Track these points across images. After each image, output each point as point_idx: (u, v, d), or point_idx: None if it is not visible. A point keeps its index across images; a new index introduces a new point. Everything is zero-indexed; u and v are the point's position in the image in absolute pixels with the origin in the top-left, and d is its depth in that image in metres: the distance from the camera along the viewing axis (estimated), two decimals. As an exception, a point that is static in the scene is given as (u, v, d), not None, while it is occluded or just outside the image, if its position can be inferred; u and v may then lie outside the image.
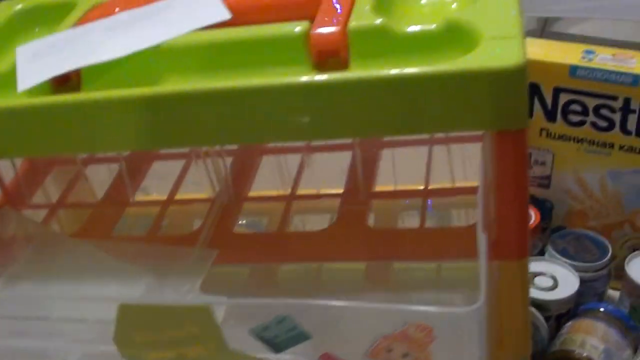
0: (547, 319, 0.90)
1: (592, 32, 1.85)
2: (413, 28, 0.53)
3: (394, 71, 0.47)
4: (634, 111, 0.94)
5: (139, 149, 0.57)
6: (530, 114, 0.99)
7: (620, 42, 1.78)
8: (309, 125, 0.52)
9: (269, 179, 0.74)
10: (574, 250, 0.98)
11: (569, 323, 0.90)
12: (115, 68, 0.58)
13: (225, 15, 0.58)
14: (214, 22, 0.57)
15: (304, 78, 0.49)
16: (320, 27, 0.54)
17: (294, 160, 0.74)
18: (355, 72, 0.50)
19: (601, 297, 1.00)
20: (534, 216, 1.00)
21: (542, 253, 1.00)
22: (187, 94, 0.52)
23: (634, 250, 1.00)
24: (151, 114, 0.53)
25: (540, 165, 1.03)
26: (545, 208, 1.04)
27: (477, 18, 0.51)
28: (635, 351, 0.89)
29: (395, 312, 0.45)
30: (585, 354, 0.84)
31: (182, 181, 0.70)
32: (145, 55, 0.56)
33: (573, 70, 0.96)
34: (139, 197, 0.74)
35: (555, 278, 0.93)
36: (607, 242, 0.99)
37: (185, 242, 0.60)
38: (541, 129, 1.01)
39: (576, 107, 0.97)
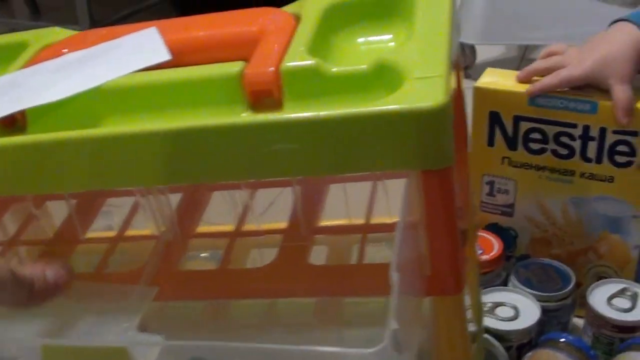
0: (507, 349, 0.91)
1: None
2: (344, 69, 0.54)
3: (310, 114, 0.48)
4: (593, 138, 0.96)
5: (82, 189, 0.58)
6: (492, 143, 1.00)
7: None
8: (242, 164, 0.52)
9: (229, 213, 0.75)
10: (537, 280, 0.99)
11: (530, 353, 0.90)
12: (60, 109, 0.59)
13: (165, 56, 0.59)
14: (155, 63, 0.59)
15: (224, 120, 0.50)
16: (254, 67, 0.55)
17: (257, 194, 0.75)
18: (275, 115, 0.51)
19: (565, 326, 1.00)
20: (496, 246, 1.01)
21: (506, 282, 1.01)
22: (122, 135, 0.53)
23: (599, 278, 1.00)
24: (91, 155, 0.54)
25: (503, 193, 1.04)
26: (509, 236, 1.05)
27: (406, 58, 0.52)
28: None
29: (296, 353, 0.45)
30: (544, 385, 0.84)
31: (133, 217, 0.71)
32: (88, 96, 0.57)
33: (532, 98, 0.96)
34: (104, 233, 0.75)
35: (517, 308, 0.94)
36: (570, 272, 1.00)
37: (130, 279, 0.60)
38: (503, 157, 1.02)
39: (536, 135, 0.99)
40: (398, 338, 0.44)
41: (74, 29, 0.69)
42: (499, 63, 1.88)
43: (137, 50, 0.61)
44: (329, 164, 0.50)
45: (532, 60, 1.87)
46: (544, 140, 0.98)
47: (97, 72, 0.60)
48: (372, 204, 0.69)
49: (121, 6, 2.00)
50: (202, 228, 0.71)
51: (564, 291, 0.97)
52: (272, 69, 0.54)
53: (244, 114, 0.55)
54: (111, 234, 0.72)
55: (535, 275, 0.99)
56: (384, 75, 0.52)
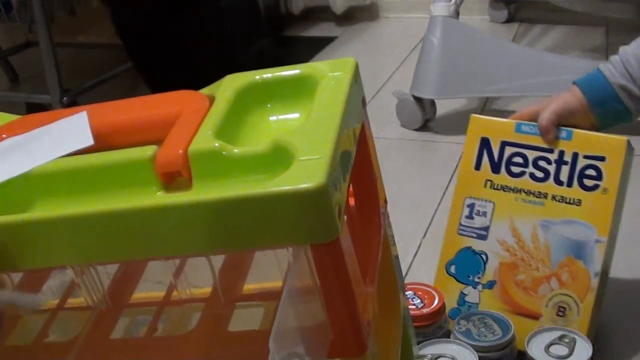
0: (448, 400, 0.95)
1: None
2: (245, 150, 0.58)
3: (197, 197, 0.53)
4: (566, 162, 1.05)
5: (15, 270, 0.63)
6: (479, 167, 1.11)
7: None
8: (155, 242, 0.57)
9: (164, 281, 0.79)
10: (477, 331, 1.03)
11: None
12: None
13: (89, 141, 0.64)
14: (79, 148, 0.64)
15: (132, 202, 0.55)
16: (165, 150, 0.60)
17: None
18: (176, 196, 0.56)
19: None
20: (437, 298, 1.05)
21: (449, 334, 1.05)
22: (43, 219, 0.57)
23: (558, 310, 1.04)
24: (15, 237, 0.59)
25: (481, 216, 1.10)
26: (479, 261, 1.09)
27: (298, 140, 0.57)
28: None
29: None
30: None
31: (72, 289, 0.75)
32: (18, 181, 0.62)
33: (518, 126, 1.09)
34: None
35: None
36: (509, 322, 1.03)
37: (63, 351, 0.65)
38: (486, 180, 1.11)
39: (518, 159, 1.09)
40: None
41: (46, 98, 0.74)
42: (460, 115, 1.94)
43: (65, 135, 0.66)
44: (226, 242, 0.55)
45: (493, 111, 1.94)
46: (524, 164, 1.08)
47: (29, 157, 0.64)
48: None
49: (90, 75, 2.06)
50: (137, 295, 0.75)
51: (502, 341, 1.00)
52: (180, 151, 0.59)
53: (158, 194, 0.59)
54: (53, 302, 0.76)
55: (475, 327, 1.03)
56: (278, 156, 0.57)
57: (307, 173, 0.53)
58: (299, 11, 2.79)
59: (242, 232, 0.54)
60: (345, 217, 0.70)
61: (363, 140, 0.70)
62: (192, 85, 0.71)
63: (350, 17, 2.87)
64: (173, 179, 0.60)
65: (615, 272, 1.22)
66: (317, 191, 0.52)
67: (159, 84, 1.90)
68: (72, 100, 1.92)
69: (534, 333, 1.02)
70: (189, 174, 0.59)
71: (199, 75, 0.76)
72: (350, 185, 0.73)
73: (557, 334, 1.01)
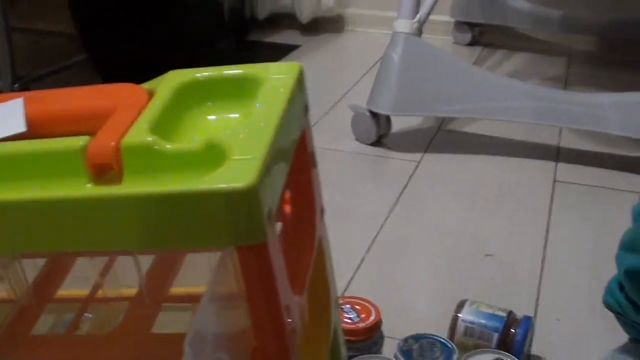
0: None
1: (485, 130, 1.93)
2: (178, 147, 0.57)
3: (122, 191, 0.51)
4: None
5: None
6: None
7: (508, 141, 1.87)
8: (82, 235, 0.55)
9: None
10: (419, 352, 1.02)
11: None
12: None
13: (22, 128, 0.62)
14: (11, 134, 0.62)
15: (56, 192, 0.53)
16: (97, 142, 0.58)
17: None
18: (105, 188, 0.54)
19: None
20: (374, 314, 1.04)
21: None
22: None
23: None
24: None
25: None
26: None
27: (233, 139, 0.56)
28: None
29: None
30: None
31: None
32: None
33: None
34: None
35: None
36: (454, 348, 1.03)
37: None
38: None
39: None
40: None
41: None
42: (415, 133, 1.94)
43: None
44: (152, 240, 0.53)
45: (448, 131, 1.95)
46: None
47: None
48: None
49: (47, 63, 2.03)
50: (64, 292, 0.73)
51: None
52: (112, 144, 0.57)
53: (87, 185, 0.57)
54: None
55: (421, 348, 1.02)
56: (211, 154, 0.56)
57: (238, 172, 0.52)
58: (264, 17, 2.78)
59: (168, 231, 0.53)
60: (280, 223, 0.69)
61: (303, 148, 0.69)
62: (145, 82, 0.70)
63: (315, 27, 2.87)
64: (104, 172, 0.58)
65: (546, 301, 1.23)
66: (246, 191, 0.51)
67: (112, 78, 1.87)
68: (24, 87, 1.88)
69: (469, 354, 1.01)
70: (120, 167, 0.57)
71: (153, 73, 0.75)
72: (288, 192, 0.72)
73: (493, 356, 1.01)
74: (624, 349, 1.10)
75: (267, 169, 0.53)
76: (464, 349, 1.07)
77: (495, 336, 1.07)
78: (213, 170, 0.54)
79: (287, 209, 0.73)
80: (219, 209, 0.51)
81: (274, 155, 0.56)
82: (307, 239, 0.71)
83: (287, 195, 0.72)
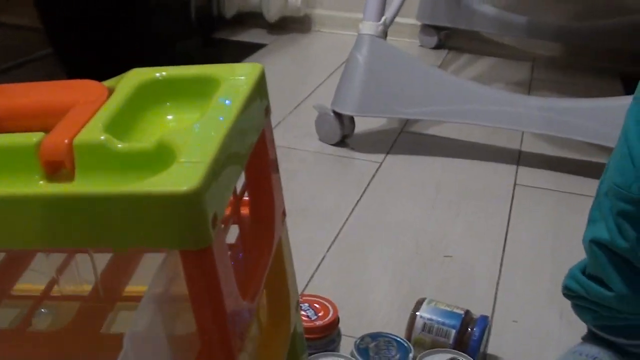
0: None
1: (448, 133, 1.95)
2: (130, 146, 0.57)
3: (75, 189, 0.51)
4: None
5: None
6: None
7: (470, 144, 1.89)
8: (34, 232, 0.55)
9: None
10: (375, 351, 1.02)
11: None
12: None
13: None
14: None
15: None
16: (51, 139, 0.58)
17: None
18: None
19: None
20: (331, 311, 1.05)
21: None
22: None
23: None
24: None
25: None
26: None
27: (185, 140, 0.56)
28: None
29: None
30: None
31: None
32: None
33: None
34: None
35: (345, 375, 0.98)
36: (410, 347, 1.04)
37: None
38: None
39: None
40: None
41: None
42: (378, 134, 1.96)
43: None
44: (98, 238, 0.53)
45: (411, 133, 1.97)
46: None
47: None
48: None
49: (9, 57, 2.01)
50: (21, 286, 0.73)
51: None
52: (66, 141, 0.57)
53: (40, 182, 0.57)
54: None
55: (377, 347, 1.03)
56: (162, 156, 0.56)
57: (183, 176, 0.52)
58: (231, 15, 2.78)
59: (116, 230, 0.53)
60: (236, 226, 0.70)
61: (262, 149, 0.69)
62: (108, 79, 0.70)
63: (282, 26, 2.87)
64: (57, 169, 0.58)
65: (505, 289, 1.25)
66: (189, 196, 0.51)
67: (77, 73, 1.86)
68: (-14, 81, 1.86)
69: (425, 353, 1.02)
70: (72, 165, 0.57)
71: (118, 70, 0.75)
72: (246, 194, 0.72)
73: (448, 356, 1.02)
74: (579, 348, 1.12)
75: (213, 173, 0.53)
76: (421, 345, 1.09)
77: (453, 333, 1.08)
78: (161, 172, 0.54)
79: (245, 211, 0.73)
80: (163, 212, 0.51)
81: (224, 159, 0.56)
82: (265, 243, 0.72)
83: (246, 198, 0.73)
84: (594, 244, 0.99)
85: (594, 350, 1.09)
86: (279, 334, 0.77)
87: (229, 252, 0.59)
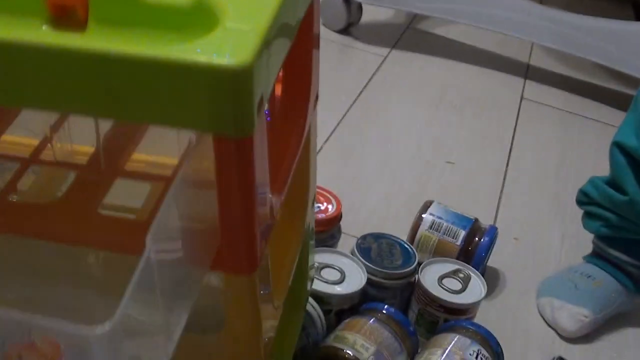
0: (326, 312, 0.88)
1: (457, 36, 1.86)
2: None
3: (87, 43, 0.42)
4: None
5: None
6: None
7: (479, 50, 1.80)
8: (30, 86, 0.46)
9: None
10: (378, 252, 0.96)
11: (347, 320, 0.88)
12: None
13: None
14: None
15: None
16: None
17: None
18: (66, 36, 0.45)
19: (401, 305, 0.98)
20: (334, 205, 0.98)
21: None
22: None
23: None
24: None
25: None
26: None
27: (230, 1, 0.46)
28: (411, 357, 0.88)
29: (19, 320, 0.40)
30: (352, 354, 0.82)
31: None
32: None
33: None
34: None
35: (344, 273, 0.91)
36: (414, 253, 0.97)
37: None
38: None
39: None
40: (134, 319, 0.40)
41: None
42: (385, 27, 1.86)
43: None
44: (112, 108, 0.44)
45: (418, 30, 1.87)
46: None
47: None
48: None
49: None
50: (6, 137, 0.64)
51: (394, 272, 0.94)
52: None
53: (43, 27, 0.47)
54: None
55: (379, 248, 0.97)
56: (200, 15, 0.45)
57: (231, 45, 0.42)
58: None
59: (134, 101, 0.43)
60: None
61: (308, 22, 0.59)
62: None
63: None
64: (65, 14, 0.47)
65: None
66: (239, 72, 0.41)
67: None
68: None
69: (429, 261, 0.97)
70: (85, 11, 0.47)
71: None
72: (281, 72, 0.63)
73: (453, 267, 0.97)
74: (576, 266, 1.11)
75: (267, 46, 0.44)
76: (425, 245, 1.04)
77: (463, 234, 1.03)
78: (199, 37, 0.44)
79: (278, 91, 0.64)
80: (200, 87, 0.42)
81: (276, 29, 0.47)
82: (296, 130, 0.63)
83: (280, 75, 0.64)
84: (618, 147, 1.01)
85: (589, 268, 1.09)
86: (295, 229, 0.71)
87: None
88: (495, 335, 0.88)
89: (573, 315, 1.04)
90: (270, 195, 0.55)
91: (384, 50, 1.75)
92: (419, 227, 1.05)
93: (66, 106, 0.47)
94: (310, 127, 0.67)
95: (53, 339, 0.41)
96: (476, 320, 0.94)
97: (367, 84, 1.59)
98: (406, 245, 0.98)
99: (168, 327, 0.47)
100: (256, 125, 0.45)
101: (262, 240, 0.53)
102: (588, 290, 1.06)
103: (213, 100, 0.42)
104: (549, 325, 1.06)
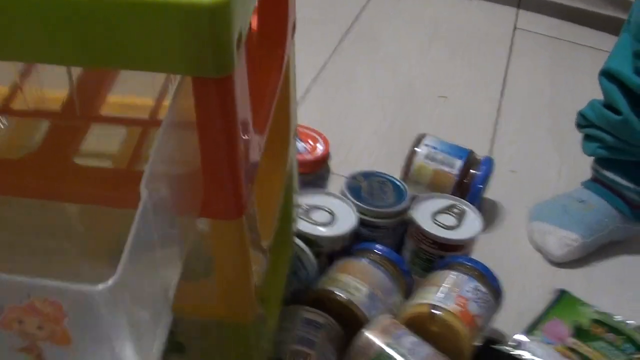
0: (317, 254, 0.85)
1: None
2: None
3: None
4: None
5: None
6: None
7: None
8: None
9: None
10: (368, 191, 0.93)
11: (339, 262, 0.85)
12: None
13: None
14: None
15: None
16: None
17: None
18: None
19: (395, 244, 0.95)
20: (322, 146, 0.95)
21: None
22: None
23: None
24: None
25: None
26: None
27: None
28: (406, 296, 0.86)
29: (17, 283, 0.38)
30: (344, 296, 0.79)
31: None
32: None
33: None
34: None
35: (334, 214, 0.88)
36: (406, 189, 0.94)
37: None
38: None
39: None
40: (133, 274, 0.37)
41: None
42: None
43: None
44: (85, 54, 0.40)
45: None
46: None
47: None
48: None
49: None
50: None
51: (388, 209, 0.91)
52: None
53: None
54: None
55: (370, 186, 0.94)
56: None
57: None
58: None
59: (106, 46, 0.39)
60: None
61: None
62: None
63: None
64: None
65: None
66: (215, 8, 0.38)
67: None
68: None
69: (420, 198, 0.93)
70: None
71: None
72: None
73: (446, 202, 0.93)
74: (572, 192, 1.09)
75: None
76: (420, 177, 1.01)
77: (459, 163, 1.00)
78: None
79: (254, 22, 0.60)
80: (177, 28, 0.38)
81: None
82: (275, 63, 0.59)
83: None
84: (605, 75, 1.01)
85: (584, 193, 1.08)
86: (277, 170, 0.67)
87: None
88: (493, 270, 0.85)
89: (561, 239, 1.03)
90: (253, 135, 0.52)
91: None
92: (413, 159, 1.02)
93: (38, 56, 0.43)
94: (289, 60, 0.63)
95: (53, 299, 0.38)
96: (474, 255, 0.91)
97: (355, 18, 1.54)
98: (398, 182, 0.95)
99: (165, 278, 0.44)
100: (236, 63, 0.41)
101: (247, 183, 0.50)
102: (579, 214, 1.05)
103: (191, 41, 0.39)
104: (539, 251, 1.04)
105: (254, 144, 0.52)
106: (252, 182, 0.51)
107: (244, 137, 0.47)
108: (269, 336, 0.71)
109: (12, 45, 0.41)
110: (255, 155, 0.53)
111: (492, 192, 1.07)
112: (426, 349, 0.75)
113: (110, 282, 0.36)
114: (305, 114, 1.21)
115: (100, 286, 0.36)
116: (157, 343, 0.44)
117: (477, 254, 0.92)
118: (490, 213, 1.07)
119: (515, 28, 1.61)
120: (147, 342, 0.43)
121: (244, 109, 0.46)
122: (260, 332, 0.65)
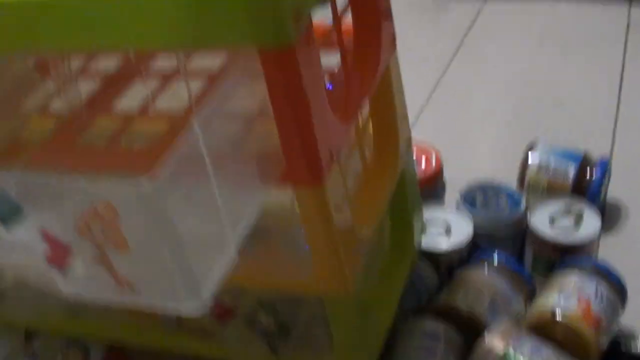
0: (436, 267, 0.87)
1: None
2: None
3: None
4: None
5: None
6: None
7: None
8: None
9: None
10: (484, 203, 0.94)
11: (458, 272, 0.87)
12: None
13: None
14: None
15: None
16: None
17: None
18: None
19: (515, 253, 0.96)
20: (434, 160, 0.97)
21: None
22: None
23: None
24: None
25: None
26: None
27: None
28: (529, 303, 0.86)
29: (83, 190, 0.41)
30: (468, 306, 0.80)
31: None
32: None
33: None
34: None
35: (450, 226, 0.90)
36: (521, 198, 0.95)
37: None
38: None
39: None
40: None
41: None
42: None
43: None
44: (157, 37, 0.45)
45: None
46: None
47: None
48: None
49: None
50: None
51: (504, 218, 0.92)
52: None
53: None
54: None
55: (485, 197, 0.95)
56: None
57: None
58: None
59: (149, 27, 0.44)
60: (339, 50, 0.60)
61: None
62: None
63: None
64: None
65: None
66: None
67: None
68: None
69: (536, 204, 0.93)
70: None
71: None
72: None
73: (563, 205, 0.93)
74: None
75: None
76: (536, 188, 1.00)
77: (572, 171, 0.99)
78: None
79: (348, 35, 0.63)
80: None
81: None
82: (368, 66, 0.62)
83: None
84: None
85: None
86: (385, 172, 0.69)
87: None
88: (616, 270, 0.84)
89: None
90: (333, 117, 0.54)
91: (475, 6, 1.70)
92: (526, 170, 1.02)
93: (79, 43, 0.48)
94: (390, 66, 0.66)
95: (107, 201, 0.42)
96: (598, 257, 0.91)
97: (466, 34, 1.56)
98: (512, 192, 0.96)
99: (230, 214, 0.47)
100: (295, 35, 0.44)
101: (326, 152, 0.52)
102: None
103: (249, 11, 0.42)
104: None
105: (335, 125, 0.55)
106: (332, 157, 0.54)
107: (318, 112, 0.50)
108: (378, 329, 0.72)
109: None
110: (337, 137, 0.55)
111: (614, 192, 1.05)
112: (548, 352, 0.75)
113: (152, 178, 0.39)
114: (420, 130, 1.23)
115: (144, 179, 0.39)
116: (217, 268, 0.46)
117: (600, 256, 0.91)
118: (612, 214, 1.06)
119: (628, 26, 1.58)
120: (205, 262, 0.45)
121: (314, 83, 0.49)
122: (365, 312, 0.66)
